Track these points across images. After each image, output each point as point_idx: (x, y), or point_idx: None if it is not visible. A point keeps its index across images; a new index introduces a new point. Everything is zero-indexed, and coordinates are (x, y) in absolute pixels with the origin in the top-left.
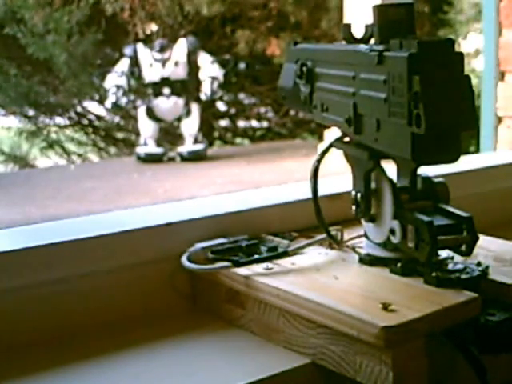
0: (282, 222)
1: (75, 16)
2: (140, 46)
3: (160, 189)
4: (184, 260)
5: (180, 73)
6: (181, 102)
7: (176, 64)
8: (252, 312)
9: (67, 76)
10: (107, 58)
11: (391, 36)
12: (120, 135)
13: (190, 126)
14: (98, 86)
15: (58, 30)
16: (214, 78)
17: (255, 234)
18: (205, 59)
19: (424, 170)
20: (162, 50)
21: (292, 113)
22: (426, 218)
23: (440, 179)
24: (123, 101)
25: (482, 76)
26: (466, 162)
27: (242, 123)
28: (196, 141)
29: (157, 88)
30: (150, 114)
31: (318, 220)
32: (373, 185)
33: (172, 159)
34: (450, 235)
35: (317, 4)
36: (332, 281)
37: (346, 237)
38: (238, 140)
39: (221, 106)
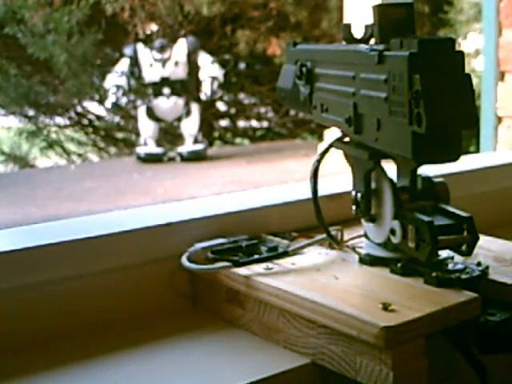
0: (281, 222)
1: (75, 16)
2: (140, 46)
3: (160, 189)
4: (184, 260)
5: (180, 73)
6: (181, 101)
7: (176, 64)
8: (252, 312)
9: (67, 76)
10: (107, 58)
11: (391, 36)
12: (120, 135)
13: (189, 126)
14: (97, 85)
15: (58, 30)
16: (214, 78)
17: (255, 234)
18: (205, 59)
19: (424, 170)
20: (162, 49)
21: (292, 113)
22: (426, 218)
23: (440, 179)
24: (123, 101)
25: (482, 76)
26: (466, 162)
27: (242, 123)
28: (196, 141)
29: (157, 88)
30: (150, 114)
31: (317, 220)
32: (373, 185)
33: (172, 159)
34: (450, 235)
35: (317, 4)
36: (332, 281)
37: (346, 237)
38: (238, 140)
39: (221, 106)
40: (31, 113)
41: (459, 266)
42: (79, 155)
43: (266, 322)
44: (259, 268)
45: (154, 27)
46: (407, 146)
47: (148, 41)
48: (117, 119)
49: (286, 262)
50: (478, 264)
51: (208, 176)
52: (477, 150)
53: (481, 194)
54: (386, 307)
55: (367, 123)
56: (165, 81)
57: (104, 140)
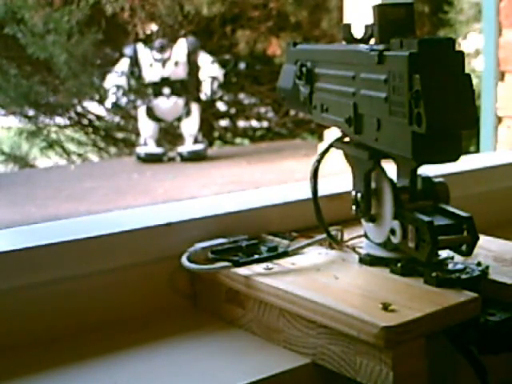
0: (281, 221)
1: (75, 16)
2: (140, 46)
3: (160, 189)
4: (184, 260)
5: (180, 73)
6: (181, 101)
7: (176, 64)
8: (252, 312)
9: (67, 76)
10: (107, 58)
11: (391, 36)
12: (120, 135)
13: (189, 126)
14: (97, 85)
15: (58, 30)
16: (214, 78)
17: (255, 234)
18: (205, 59)
19: (424, 170)
20: (162, 49)
21: (292, 113)
22: (426, 218)
23: (440, 179)
24: (123, 101)
25: (482, 76)
26: (466, 162)
27: (242, 123)
28: (196, 141)
29: (157, 88)
30: (150, 114)
31: (317, 220)
32: (373, 185)
33: (172, 159)
34: (450, 235)
35: (317, 4)
36: (332, 281)
37: (346, 237)
38: (238, 140)
39: (221, 106)
40: (31, 113)
41: (459, 266)
42: (79, 155)
43: (265, 321)
44: (259, 268)
45: (154, 27)
46: (407, 146)
47: (148, 41)
48: (117, 119)
49: (286, 262)
50: (478, 264)
51: (208, 176)
52: (477, 150)
53: (481, 194)
54: (386, 307)
55: (367, 123)
56: (165, 81)
57: (104, 140)
